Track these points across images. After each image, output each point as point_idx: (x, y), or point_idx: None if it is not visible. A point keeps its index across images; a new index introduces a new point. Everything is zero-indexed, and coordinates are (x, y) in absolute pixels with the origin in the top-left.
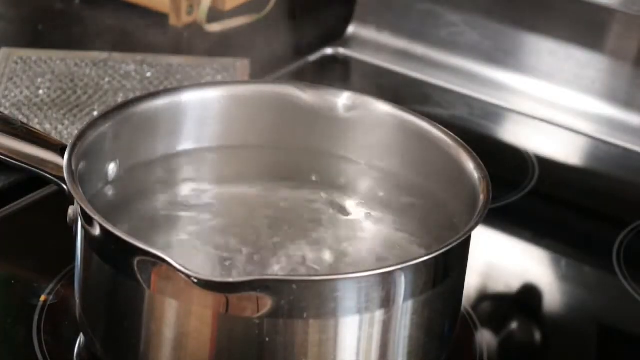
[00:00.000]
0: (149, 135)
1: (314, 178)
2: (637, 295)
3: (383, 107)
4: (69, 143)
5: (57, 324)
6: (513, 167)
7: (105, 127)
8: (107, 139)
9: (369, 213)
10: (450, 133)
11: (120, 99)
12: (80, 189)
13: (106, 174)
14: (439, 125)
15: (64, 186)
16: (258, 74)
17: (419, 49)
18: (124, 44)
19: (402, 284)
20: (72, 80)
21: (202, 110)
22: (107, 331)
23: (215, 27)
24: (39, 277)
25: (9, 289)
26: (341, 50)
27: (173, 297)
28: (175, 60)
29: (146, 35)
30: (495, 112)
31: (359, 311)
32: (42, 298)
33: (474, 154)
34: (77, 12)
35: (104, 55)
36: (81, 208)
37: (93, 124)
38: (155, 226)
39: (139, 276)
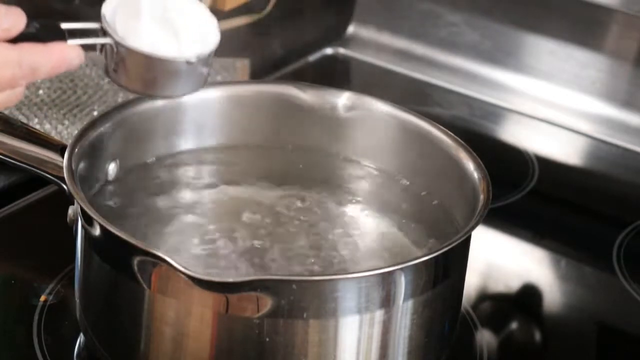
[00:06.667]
0: (149, 135)
1: (314, 178)
2: (637, 295)
3: (383, 107)
4: (69, 143)
5: (57, 324)
6: (513, 167)
7: (105, 127)
8: (107, 139)
9: (368, 213)
10: (450, 133)
11: (120, 99)
12: (80, 189)
13: (106, 174)
14: (439, 125)
15: (64, 186)
16: (258, 74)
17: (419, 49)
18: None
19: (402, 284)
20: (72, 80)
21: (202, 110)
22: (107, 331)
23: None
24: (39, 277)
25: (9, 289)
26: (341, 50)
27: (173, 297)
28: None
29: None
30: (495, 112)
31: (359, 311)
32: (42, 298)
33: (474, 154)
34: (77, 12)
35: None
36: (81, 208)
37: (93, 124)
38: (155, 226)
39: (139, 276)
